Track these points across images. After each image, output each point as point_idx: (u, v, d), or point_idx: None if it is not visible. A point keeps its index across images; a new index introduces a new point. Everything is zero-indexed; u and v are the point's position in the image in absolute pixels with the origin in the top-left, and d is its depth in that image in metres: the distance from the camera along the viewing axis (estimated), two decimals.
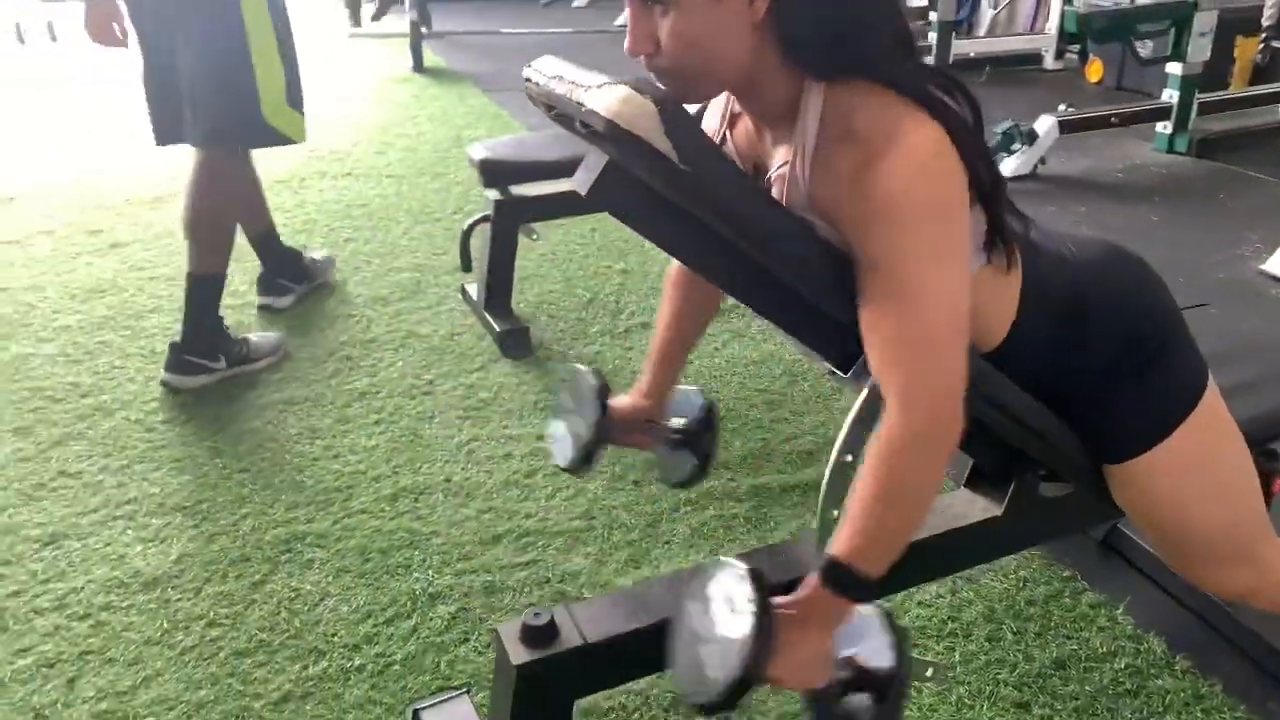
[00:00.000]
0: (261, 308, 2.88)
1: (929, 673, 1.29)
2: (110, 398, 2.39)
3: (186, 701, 1.53)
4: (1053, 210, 3.70)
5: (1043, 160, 4.01)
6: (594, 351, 2.63)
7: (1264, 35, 4.30)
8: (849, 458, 1.14)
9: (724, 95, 1.09)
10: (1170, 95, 4.13)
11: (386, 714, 1.51)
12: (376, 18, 7.42)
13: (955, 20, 5.62)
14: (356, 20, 7.50)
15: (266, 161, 2.85)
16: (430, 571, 1.81)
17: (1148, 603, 1.69)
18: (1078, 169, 4.14)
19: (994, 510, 1.32)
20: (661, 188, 0.89)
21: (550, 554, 1.85)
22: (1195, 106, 4.16)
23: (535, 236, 2.89)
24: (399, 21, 7.30)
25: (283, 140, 2.44)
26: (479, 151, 2.66)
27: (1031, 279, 1.08)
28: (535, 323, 2.77)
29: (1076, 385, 1.15)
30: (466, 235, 2.74)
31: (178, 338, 2.44)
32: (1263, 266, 3.01)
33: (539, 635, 1.10)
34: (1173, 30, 4.01)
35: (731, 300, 1.31)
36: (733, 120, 1.10)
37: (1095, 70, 5.37)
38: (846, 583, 0.93)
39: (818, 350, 1.13)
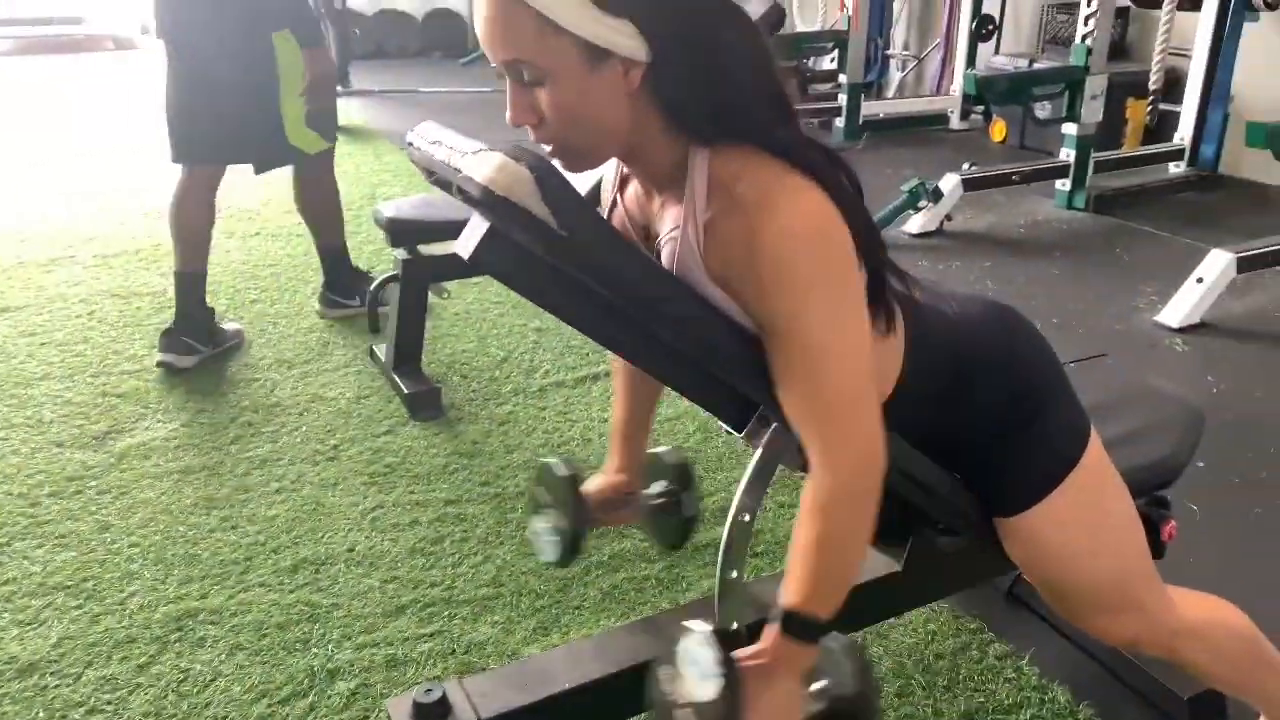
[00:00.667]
0: (161, 364, 2.79)
1: None
2: None
3: None
4: (958, 265, 3.81)
5: (949, 217, 4.13)
6: (507, 412, 2.59)
7: (1152, 98, 4.53)
8: (746, 517, 1.14)
9: (614, 159, 1.09)
10: (1067, 154, 4.32)
11: None
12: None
13: (865, 82, 5.82)
14: None
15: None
16: (330, 646, 1.74)
17: (1052, 652, 1.70)
18: (982, 225, 4.28)
19: (894, 566, 1.32)
20: (541, 252, 0.88)
21: (456, 624, 1.79)
22: (1091, 165, 4.35)
23: (447, 295, 2.87)
24: None
25: (302, 156, 2.92)
26: (387, 210, 2.64)
27: (916, 338, 1.10)
28: (447, 383, 2.73)
29: (963, 441, 1.17)
30: (374, 295, 2.70)
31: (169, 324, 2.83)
32: (1157, 318, 3.13)
33: (430, 713, 1.06)
34: (1067, 93, 4.21)
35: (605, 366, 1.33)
36: (623, 183, 1.10)
37: (999, 130, 5.59)
38: (802, 628, 0.97)
39: (710, 410, 1.13)
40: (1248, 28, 4.34)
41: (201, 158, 2.80)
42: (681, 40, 0.90)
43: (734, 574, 1.15)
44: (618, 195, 1.11)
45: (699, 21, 0.91)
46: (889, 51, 6.93)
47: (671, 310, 0.94)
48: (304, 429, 2.50)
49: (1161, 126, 4.77)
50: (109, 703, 1.61)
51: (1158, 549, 1.38)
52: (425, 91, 7.27)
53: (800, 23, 7.34)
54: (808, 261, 0.91)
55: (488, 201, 0.81)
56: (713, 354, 0.99)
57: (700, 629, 0.98)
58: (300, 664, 1.69)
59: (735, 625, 1.18)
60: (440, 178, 0.94)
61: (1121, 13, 4.91)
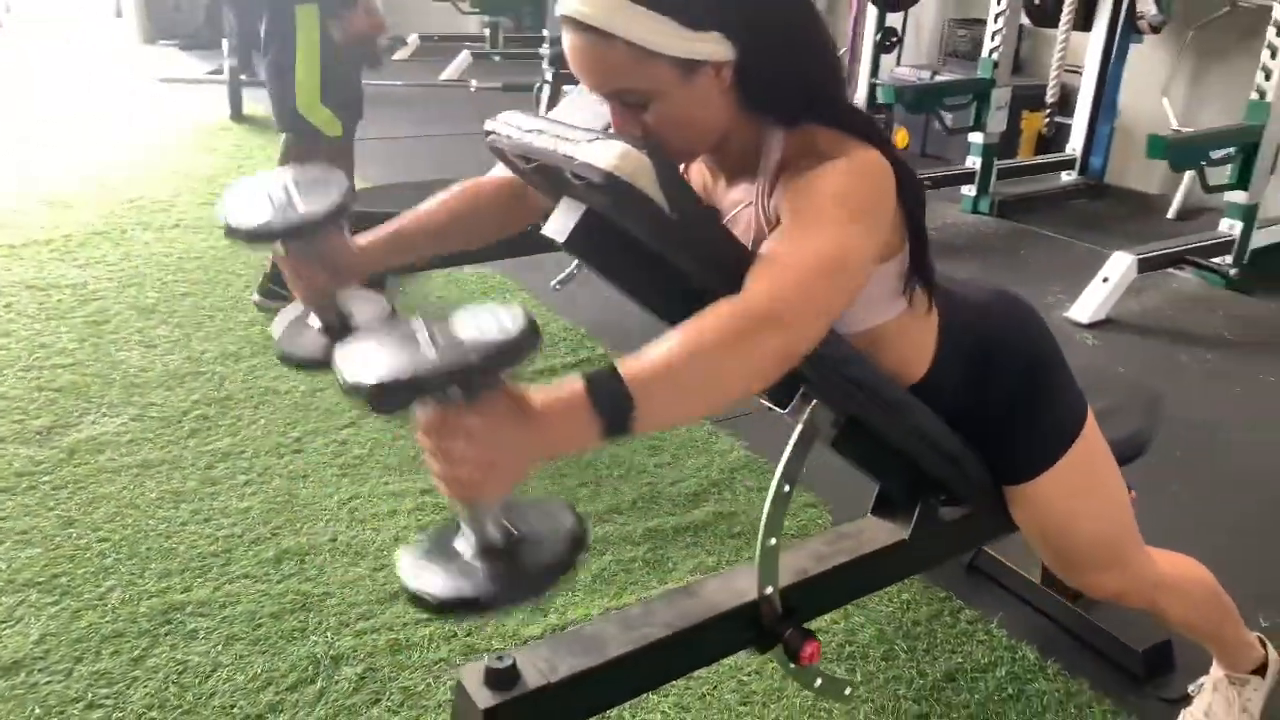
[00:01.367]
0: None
1: (846, 691, 1.37)
2: None
3: None
4: None
5: None
6: None
7: (1049, 110, 4.85)
8: (786, 488, 1.22)
9: None
10: (973, 161, 4.58)
11: None
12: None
13: None
14: None
15: (78, 211, 2.69)
16: (329, 633, 1.74)
17: (1017, 615, 1.85)
18: None
19: (901, 534, 1.42)
20: (647, 234, 0.94)
21: None
22: (995, 172, 4.62)
23: (402, 289, 2.86)
24: (202, 64, 7.03)
25: (315, 132, 3.01)
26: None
27: (946, 321, 1.20)
28: None
29: (982, 416, 1.28)
30: None
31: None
32: (1067, 314, 3.37)
33: (502, 678, 1.09)
34: (974, 103, 4.46)
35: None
36: (685, 166, 1.17)
37: (902, 138, 5.85)
38: (608, 397, 0.80)
39: None
40: (1133, 48, 4.69)
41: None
42: (768, 36, 0.98)
43: (773, 541, 1.24)
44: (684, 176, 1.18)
45: (782, 18, 0.99)
46: None
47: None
48: (262, 422, 2.47)
49: (1058, 137, 5.10)
50: (107, 696, 1.58)
51: None
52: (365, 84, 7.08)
53: None
54: (848, 184, 0.95)
55: (611, 186, 0.86)
56: None
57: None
58: (301, 651, 1.69)
59: (771, 589, 1.26)
60: (539, 164, 0.98)
61: (1018, 30, 5.23)
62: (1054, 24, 4.67)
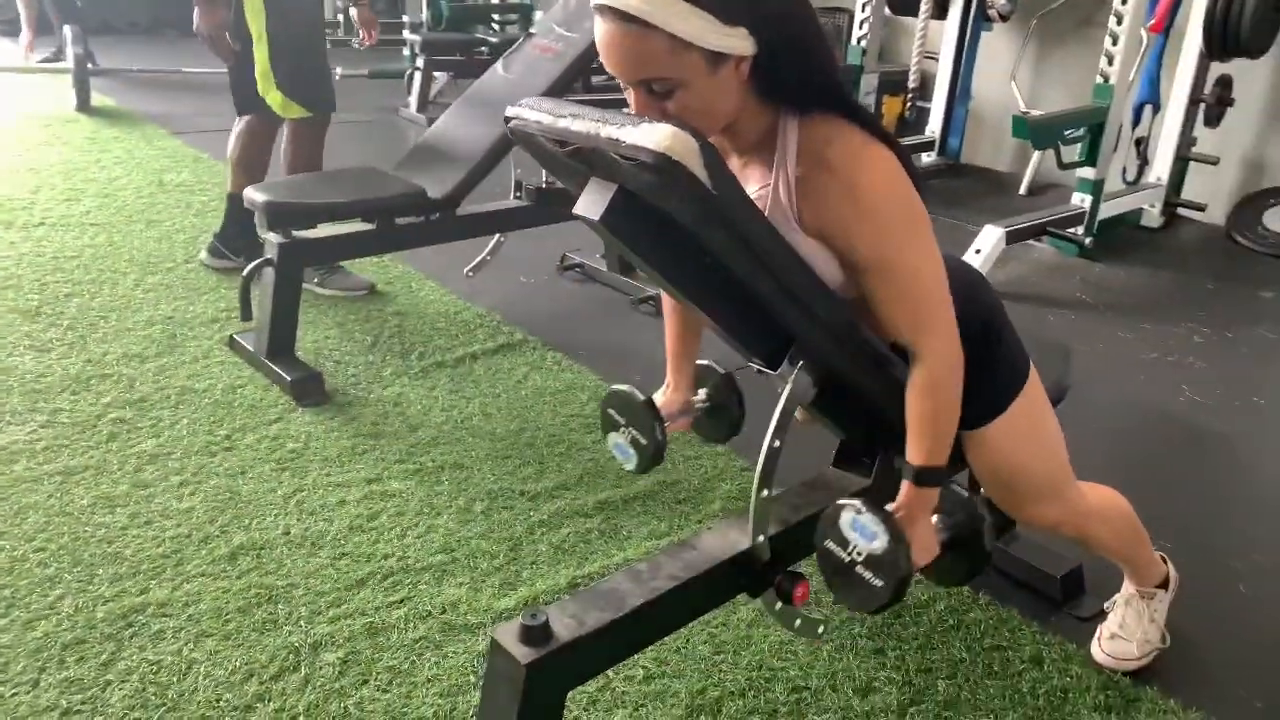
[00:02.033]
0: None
1: (819, 630, 1.50)
2: None
3: None
4: None
5: None
6: (396, 394, 2.61)
7: (910, 95, 5.15)
8: (777, 444, 1.32)
9: None
10: None
11: None
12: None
13: None
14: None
15: None
16: (301, 623, 1.74)
17: None
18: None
19: (864, 482, 1.56)
20: (690, 212, 1.02)
21: (422, 589, 1.85)
22: None
23: (316, 281, 2.82)
24: (37, 53, 6.59)
25: (270, 112, 3.16)
26: (259, 194, 2.57)
27: None
28: (323, 369, 2.70)
29: None
30: (247, 283, 2.62)
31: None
32: None
33: (538, 634, 1.16)
34: None
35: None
36: None
37: None
38: (930, 477, 1.25)
39: (754, 350, 1.30)
40: (984, 36, 5.04)
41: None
42: (785, 36, 1.09)
43: (765, 492, 1.34)
44: None
45: (795, 22, 1.10)
46: None
47: (773, 258, 1.11)
48: (185, 421, 2.40)
49: (919, 120, 5.43)
50: (83, 702, 1.54)
51: None
52: (192, 72, 6.76)
53: None
54: (900, 210, 1.14)
55: (662, 166, 0.94)
56: (789, 291, 1.16)
57: (853, 503, 1.23)
58: (278, 642, 1.69)
59: (761, 538, 1.37)
60: (574, 147, 1.04)
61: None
62: (914, 13, 4.96)
